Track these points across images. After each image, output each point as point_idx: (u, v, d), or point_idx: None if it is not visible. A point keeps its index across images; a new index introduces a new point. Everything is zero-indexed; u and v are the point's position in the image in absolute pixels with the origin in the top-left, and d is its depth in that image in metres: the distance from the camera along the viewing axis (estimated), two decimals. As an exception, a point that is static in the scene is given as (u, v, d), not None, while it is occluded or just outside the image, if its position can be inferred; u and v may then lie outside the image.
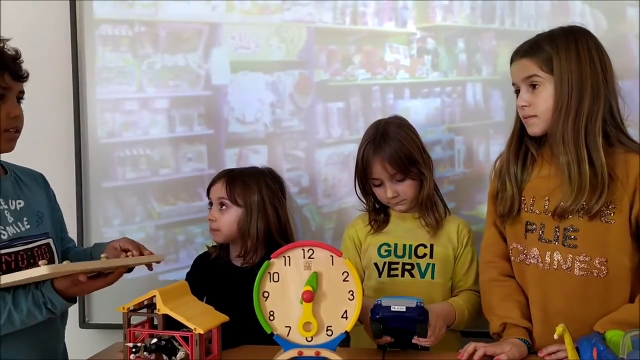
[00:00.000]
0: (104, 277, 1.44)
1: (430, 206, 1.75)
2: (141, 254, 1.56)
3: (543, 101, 1.50)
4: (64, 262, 1.38)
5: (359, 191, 1.80)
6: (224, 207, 1.80)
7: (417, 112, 1.89)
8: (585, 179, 1.44)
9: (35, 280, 1.36)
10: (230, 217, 1.79)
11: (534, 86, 1.52)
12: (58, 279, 1.39)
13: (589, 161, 1.45)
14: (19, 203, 1.53)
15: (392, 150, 1.70)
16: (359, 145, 1.76)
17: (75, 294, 1.43)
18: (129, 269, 1.59)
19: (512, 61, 1.57)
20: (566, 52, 1.48)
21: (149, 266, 1.60)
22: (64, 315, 1.62)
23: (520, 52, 1.55)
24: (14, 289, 1.39)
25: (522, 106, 1.53)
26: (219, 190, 1.81)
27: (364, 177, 1.76)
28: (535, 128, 1.54)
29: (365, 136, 1.76)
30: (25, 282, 1.35)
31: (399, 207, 1.77)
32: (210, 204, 1.84)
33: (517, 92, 1.57)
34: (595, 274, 1.49)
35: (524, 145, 1.59)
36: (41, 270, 1.27)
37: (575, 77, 1.47)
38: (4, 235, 1.45)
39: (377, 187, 1.76)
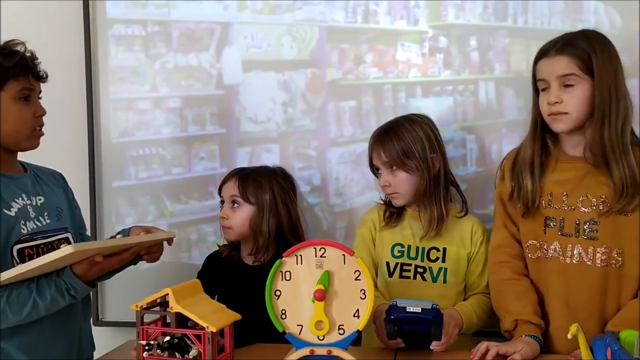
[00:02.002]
0: (119, 255, 1.48)
1: (429, 203, 1.73)
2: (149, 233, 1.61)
3: (577, 100, 1.50)
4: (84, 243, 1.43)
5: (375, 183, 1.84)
6: (235, 205, 1.81)
7: (429, 110, 1.88)
8: (632, 182, 1.47)
9: (60, 263, 1.39)
10: (242, 215, 1.79)
11: (567, 84, 1.50)
12: (76, 264, 1.44)
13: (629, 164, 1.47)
14: (40, 199, 1.58)
15: (390, 139, 1.72)
16: None
17: (93, 276, 1.48)
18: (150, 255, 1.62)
19: (543, 56, 1.54)
20: (602, 54, 1.49)
21: (170, 242, 1.64)
22: (85, 306, 1.67)
23: (555, 49, 1.52)
24: (37, 278, 1.44)
25: (555, 102, 1.51)
26: (231, 188, 1.81)
27: (370, 164, 1.79)
28: (562, 125, 1.53)
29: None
30: (51, 265, 1.39)
31: (395, 200, 1.77)
32: (222, 202, 1.85)
33: (543, 89, 1.54)
34: (613, 265, 1.52)
35: (543, 142, 1.59)
36: (66, 249, 1.32)
37: (612, 80, 1.48)
38: (24, 230, 1.51)
39: (378, 175, 1.78)
